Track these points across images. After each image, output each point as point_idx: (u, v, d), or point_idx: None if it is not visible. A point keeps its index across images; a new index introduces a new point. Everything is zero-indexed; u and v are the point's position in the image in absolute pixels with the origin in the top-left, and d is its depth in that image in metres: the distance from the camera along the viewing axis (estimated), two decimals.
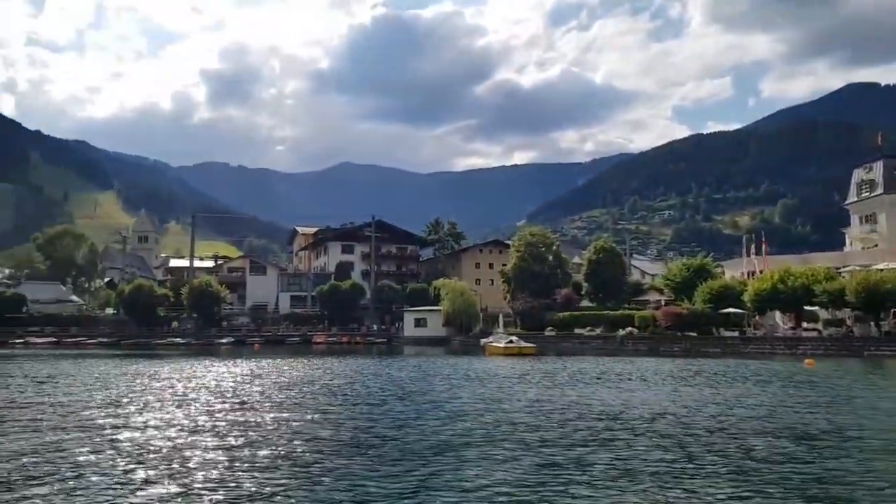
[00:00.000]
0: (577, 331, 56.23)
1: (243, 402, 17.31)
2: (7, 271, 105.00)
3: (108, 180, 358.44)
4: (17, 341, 64.04)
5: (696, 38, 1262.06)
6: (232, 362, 35.80)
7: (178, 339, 66.16)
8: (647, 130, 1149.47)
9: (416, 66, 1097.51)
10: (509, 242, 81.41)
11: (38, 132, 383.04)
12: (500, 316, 61.74)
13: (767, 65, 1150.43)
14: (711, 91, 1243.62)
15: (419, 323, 66.78)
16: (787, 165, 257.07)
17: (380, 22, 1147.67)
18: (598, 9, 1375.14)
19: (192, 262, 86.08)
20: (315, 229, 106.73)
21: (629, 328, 52.43)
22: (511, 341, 41.99)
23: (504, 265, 74.49)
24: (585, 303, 65.64)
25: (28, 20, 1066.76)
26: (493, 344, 42.91)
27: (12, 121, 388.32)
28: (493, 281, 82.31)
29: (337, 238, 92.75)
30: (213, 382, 23.45)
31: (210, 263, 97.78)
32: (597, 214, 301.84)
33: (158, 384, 22.67)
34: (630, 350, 48.39)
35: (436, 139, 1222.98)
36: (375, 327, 73.83)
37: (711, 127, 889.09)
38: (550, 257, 66.17)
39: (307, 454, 10.44)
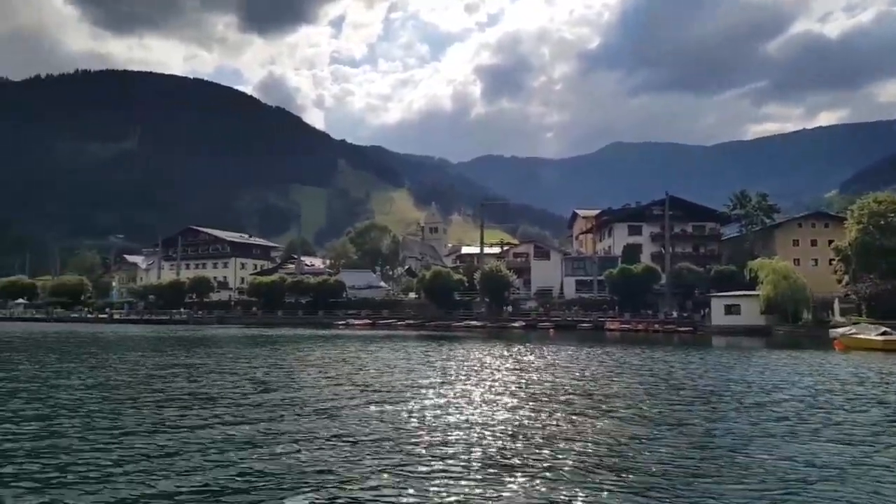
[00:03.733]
0: None
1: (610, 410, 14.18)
2: (328, 262, 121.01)
3: (400, 179, 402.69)
4: (340, 322, 71.81)
5: None
6: (548, 349, 33.71)
7: (473, 322, 67.80)
8: None
9: (694, 29, 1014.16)
10: (839, 215, 67.75)
11: (342, 141, 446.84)
12: (836, 301, 51.80)
13: None
14: None
15: (730, 310, 58.25)
16: None
17: None
18: None
19: (482, 249, 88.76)
20: (596, 212, 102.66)
21: None
22: (885, 333, 32.83)
23: (831, 241, 62.43)
24: None
25: (331, 41, 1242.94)
26: (859, 336, 33.94)
27: (323, 133, 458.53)
28: (816, 261, 70.46)
29: (623, 219, 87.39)
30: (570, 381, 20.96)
31: (496, 250, 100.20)
32: None
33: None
34: None
35: (719, 106, 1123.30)
36: (676, 314, 67.11)
37: None
38: None
39: None
